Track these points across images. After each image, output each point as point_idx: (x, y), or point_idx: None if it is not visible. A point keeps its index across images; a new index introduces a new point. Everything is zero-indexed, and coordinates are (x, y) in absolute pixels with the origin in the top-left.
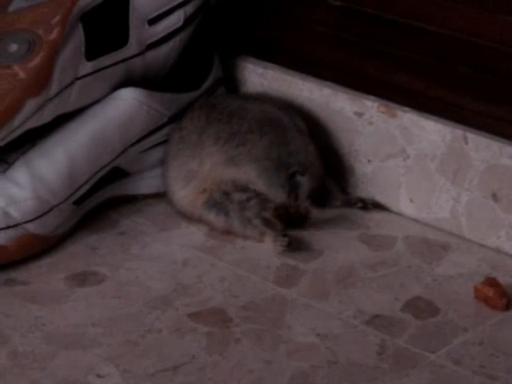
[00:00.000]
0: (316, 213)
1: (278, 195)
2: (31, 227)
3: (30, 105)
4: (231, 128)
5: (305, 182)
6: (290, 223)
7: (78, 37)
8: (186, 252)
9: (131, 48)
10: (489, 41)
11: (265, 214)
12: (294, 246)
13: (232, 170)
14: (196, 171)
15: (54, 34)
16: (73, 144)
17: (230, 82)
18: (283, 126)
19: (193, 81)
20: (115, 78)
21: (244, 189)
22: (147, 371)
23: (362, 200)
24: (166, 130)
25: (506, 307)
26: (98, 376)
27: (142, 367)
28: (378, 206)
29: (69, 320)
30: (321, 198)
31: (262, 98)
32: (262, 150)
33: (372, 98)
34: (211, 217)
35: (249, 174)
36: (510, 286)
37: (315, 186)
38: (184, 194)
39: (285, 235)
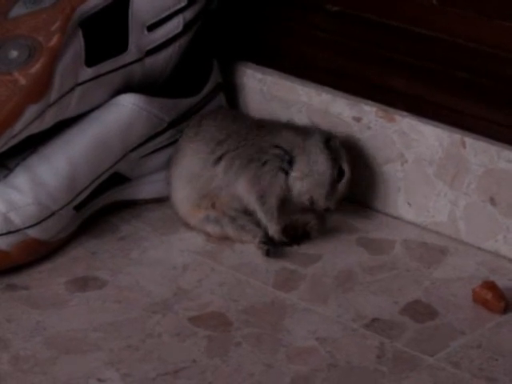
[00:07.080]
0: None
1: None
2: (32, 232)
3: (31, 111)
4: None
5: None
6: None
7: (78, 43)
8: (185, 256)
9: (131, 54)
10: (487, 46)
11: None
12: (273, 254)
13: (226, 192)
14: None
15: (54, 41)
16: (73, 150)
17: (229, 88)
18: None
19: (192, 86)
20: (115, 83)
21: (246, 212)
22: (148, 375)
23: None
24: (165, 136)
25: (504, 310)
26: (99, 380)
27: (142, 371)
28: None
29: (70, 324)
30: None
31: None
32: (246, 157)
33: (370, 102)
34: (208, 229)
35: (241, 183)
36: (508, 290)
37: None
38: (184, 206)
39: (265, 243)
